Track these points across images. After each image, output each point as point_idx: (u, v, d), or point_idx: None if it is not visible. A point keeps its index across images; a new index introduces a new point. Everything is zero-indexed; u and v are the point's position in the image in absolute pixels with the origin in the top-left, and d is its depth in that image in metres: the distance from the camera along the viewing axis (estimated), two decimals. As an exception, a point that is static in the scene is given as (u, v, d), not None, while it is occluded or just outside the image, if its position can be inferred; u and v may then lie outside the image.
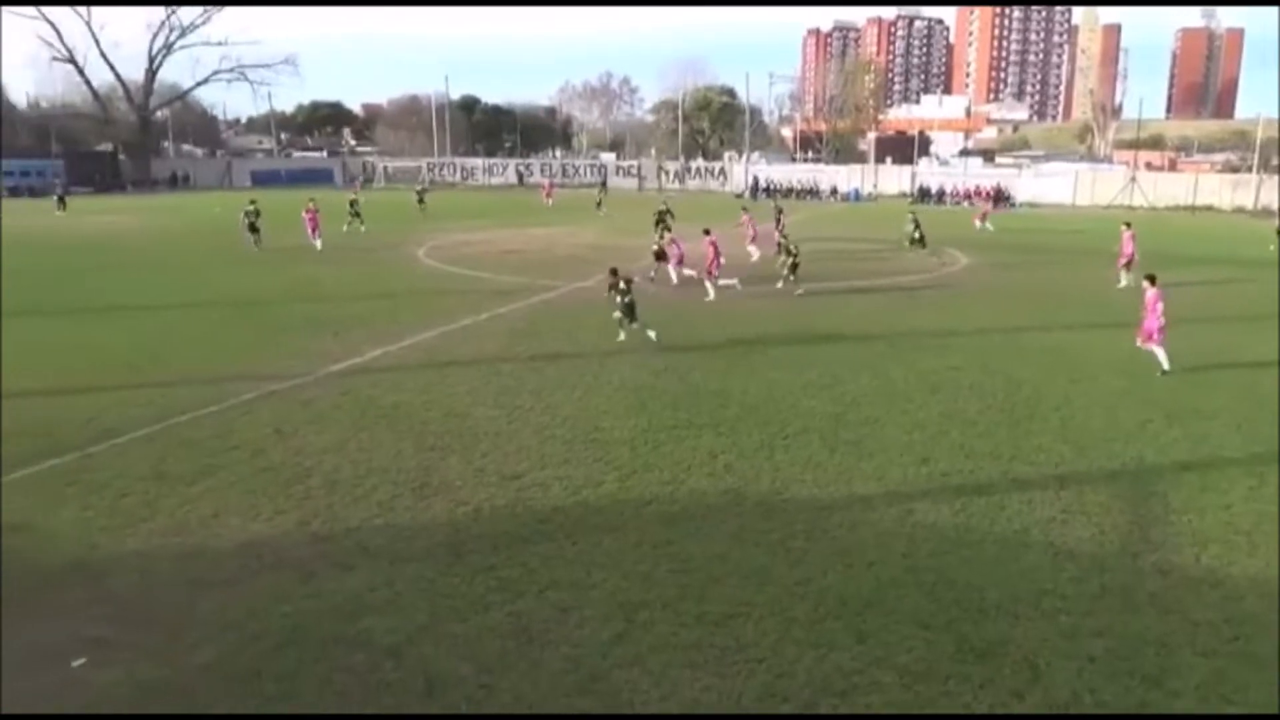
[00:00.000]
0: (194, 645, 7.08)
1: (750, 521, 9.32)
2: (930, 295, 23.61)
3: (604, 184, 62.87)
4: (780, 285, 23.83)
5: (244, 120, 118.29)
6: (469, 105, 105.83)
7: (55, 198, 53.15)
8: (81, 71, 77.11)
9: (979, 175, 68.16)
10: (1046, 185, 65.24)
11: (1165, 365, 15.16)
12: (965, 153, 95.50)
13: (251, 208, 32.27)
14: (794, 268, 24.00)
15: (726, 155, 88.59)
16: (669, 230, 28.65)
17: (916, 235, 32.53)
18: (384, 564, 8.35)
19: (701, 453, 11.29)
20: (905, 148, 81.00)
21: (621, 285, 17.29)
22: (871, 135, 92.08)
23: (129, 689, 6.53)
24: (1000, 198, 60.96)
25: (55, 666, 6.79)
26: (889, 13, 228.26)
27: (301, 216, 33.05)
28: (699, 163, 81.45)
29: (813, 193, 67.83)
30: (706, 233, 23.24)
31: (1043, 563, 8.51)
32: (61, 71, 79.09)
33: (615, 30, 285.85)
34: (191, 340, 17.68)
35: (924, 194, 65.07)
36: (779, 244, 25.56)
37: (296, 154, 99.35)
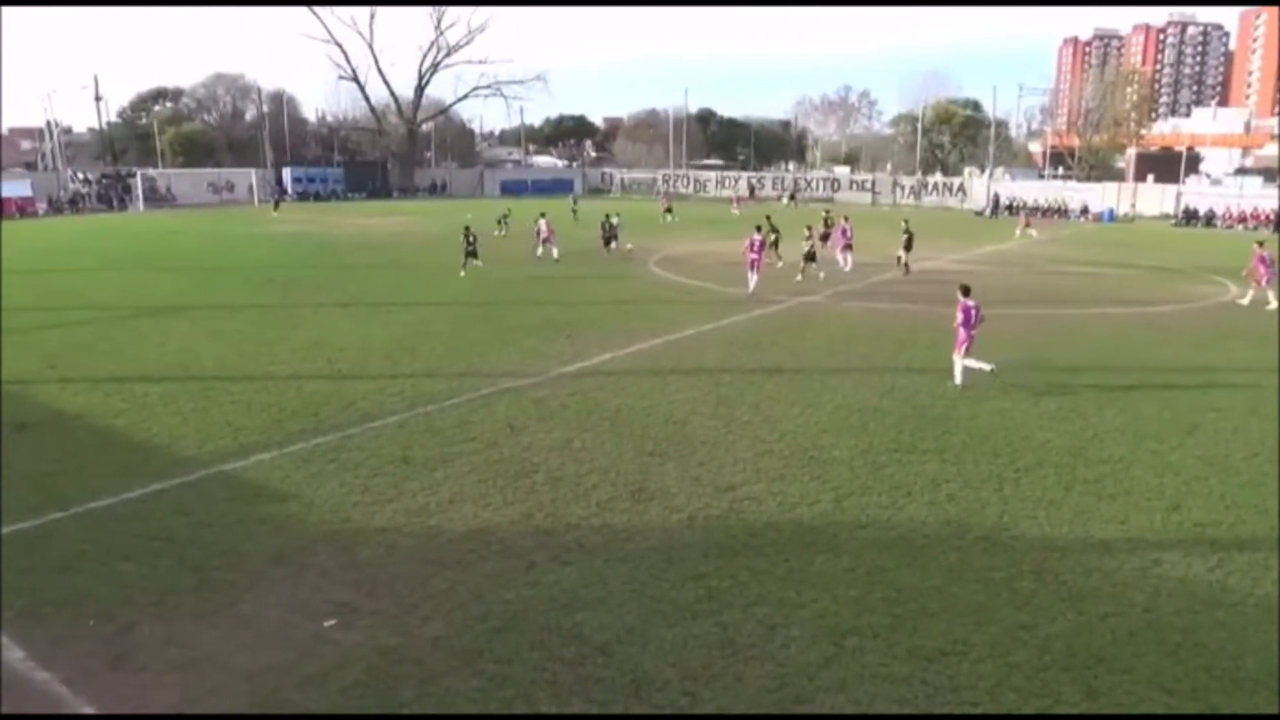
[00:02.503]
0: (426, 618, 7.62)
1: (972, 556, 8.84)
2: (1190, 328, 21.41)
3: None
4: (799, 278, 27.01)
5: (496, 133, 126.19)
6: (705, 118, 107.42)
7: (272, 202, 60.17)
8: (363, 89, 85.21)
9: (1257, 196, 60.94)
10: (1342, 208, 57.25)
11: (957, 379, 15.20)
12: (1242, 171, 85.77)
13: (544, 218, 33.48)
14: (810, 257, 27.66)
15: (967, 170, 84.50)
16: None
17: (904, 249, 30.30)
18: (599, 562, 8.62)
19: (924, 479, 10.84)
20: (1170, 165, 73.93)
21: (470, 236, 28.85)
22: (1131, 151, 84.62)
23: (370, 652, 7.13)
24: (1284, 221, 54.26)
25: (308, 624, 7.53)
26: (1158, 18, 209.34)
27: (534, 227, 33.25)
28: (937, 178, 78.24)
29: (1060, 211, 63.34)
30: (758, 230, 25.63)
31: (1317, 636, 7.48)
32: (346, 89, 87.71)
33: (857, 47, 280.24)
34: (441, 336, 19.07)
35: (1190, 216, 59.14)
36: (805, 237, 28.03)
37: (541, 164, 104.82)
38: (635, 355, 17.48)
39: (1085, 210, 62.55)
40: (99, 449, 11.83)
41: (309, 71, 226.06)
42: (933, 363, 16.95)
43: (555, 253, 31.47)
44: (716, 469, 11.14)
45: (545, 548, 8.93)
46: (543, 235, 32.33)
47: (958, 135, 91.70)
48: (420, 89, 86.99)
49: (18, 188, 59.69)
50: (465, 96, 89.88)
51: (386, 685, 6.72)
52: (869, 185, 77.36)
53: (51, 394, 14.51)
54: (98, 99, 68.97)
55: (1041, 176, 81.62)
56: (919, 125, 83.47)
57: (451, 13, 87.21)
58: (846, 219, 32.04)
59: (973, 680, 6.81)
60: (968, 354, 15.21)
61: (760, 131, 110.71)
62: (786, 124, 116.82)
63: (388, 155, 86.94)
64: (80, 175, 67.46)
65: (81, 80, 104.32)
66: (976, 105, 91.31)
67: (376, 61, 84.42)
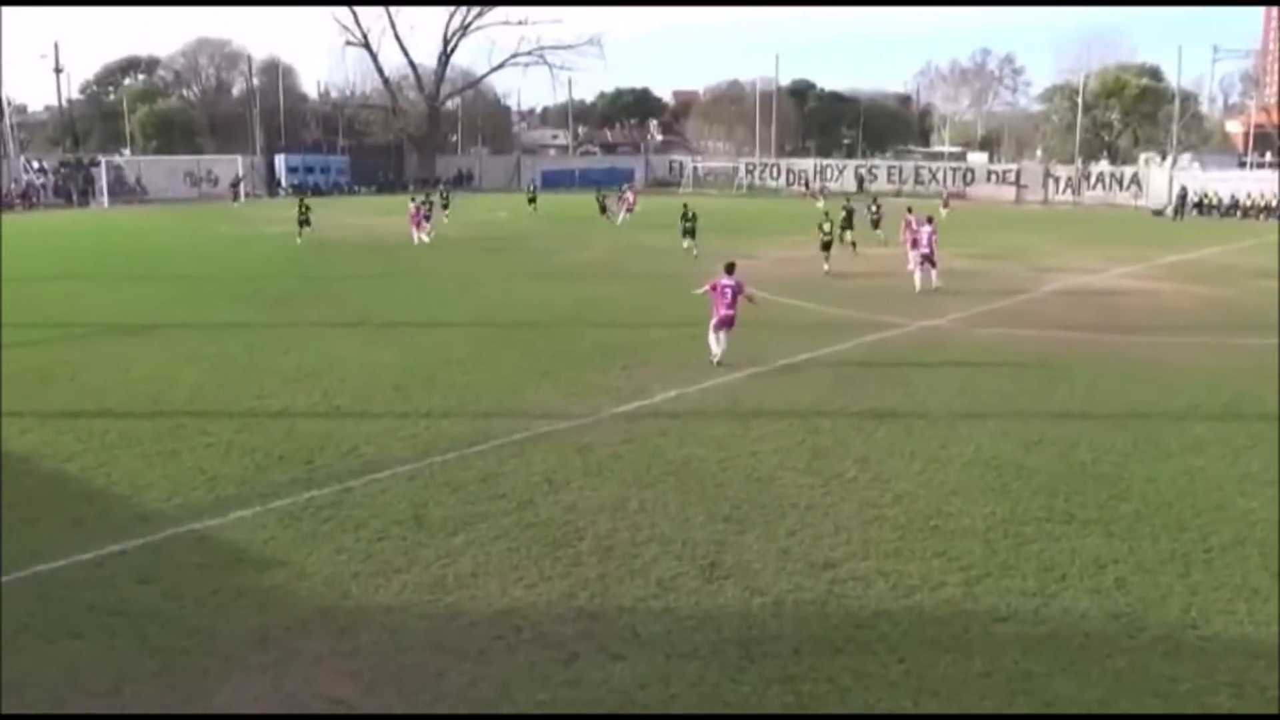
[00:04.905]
0: (440, 724, 7.66)
1: (1147, 661, 8.59)
2: None
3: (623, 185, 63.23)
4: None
5: (538, 111, 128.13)
6: (801, 92, 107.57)
7: (233, 194, 67.75)
8: (374, 57, 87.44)
9: None
10: None
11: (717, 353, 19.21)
12: None
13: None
14: (826, 246, 32.71)
15: (1142, 158, 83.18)
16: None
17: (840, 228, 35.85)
18: (659, 657, 8.58)
19: (1083, 559, 10.60)
20: None
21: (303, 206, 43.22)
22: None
23: (368, 764, 7.19)
24: None
25: (296, 726, 7.63)
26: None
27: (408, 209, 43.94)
28: (1103, 167, 77.21)
29: (1269, 210, 61.83)
30: (929, 221, 29.40)
31: None
32: (354, 58, 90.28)
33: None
34: (464, 365, 19.33)
35: None
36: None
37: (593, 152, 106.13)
38: (708, 392, 17.48)
39: (1303, 208, 60.98)
40: (48, 499, 12.18)
41: (310, 36, 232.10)
42: (1096, 406, 16.64)
43: (426, 238, 42.54)
44: (811, 540, 11.04)
45: (591, 636, 8.93)
46: (413, 219, 43.07)
47: (1130, 112, 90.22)
48: (445, 56, 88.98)
49: (-41, 178, 62.39)
50: (501, 66, 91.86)
51: (389, 806, 6.75)
52: (1012, 177, 76.59)
53: (-8, 431, 15.03)
54: (57, 71, 71.92)
55: (1243, 164, 79.80)
56: (1079, 99, 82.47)
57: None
58: (931, 221, 29.99)
59: (1147, 825, 6.61)
60: (717, 330, 19.19)
61: (872, 108, 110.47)
62: (906, 99, 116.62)
63: (403, 139, 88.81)
64: (35, 163, 70.35)
65: (39, 48, 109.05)
66: (1156, 73, 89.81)
67: (392, 22, 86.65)
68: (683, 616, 9.32)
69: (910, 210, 34.77)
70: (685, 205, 40.25)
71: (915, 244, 30.25)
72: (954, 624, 9.20)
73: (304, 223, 43.05)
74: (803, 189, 75.46)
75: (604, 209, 53.73)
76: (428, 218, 44.89)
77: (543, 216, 55.23)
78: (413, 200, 45.86)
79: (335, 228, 48.57)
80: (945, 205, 55.75)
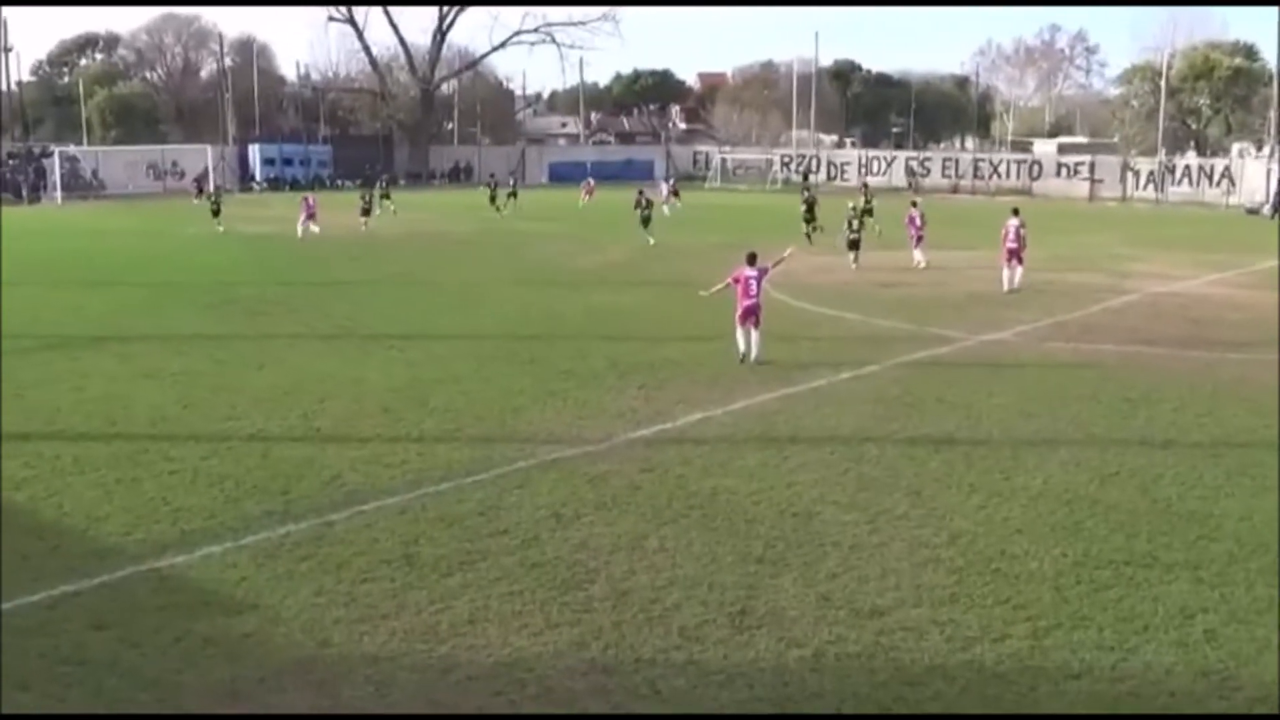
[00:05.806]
0: (432, 792, 7.67)
1: (1242, 725, 8.54)
2: None
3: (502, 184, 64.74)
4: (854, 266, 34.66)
5: (545, 96, 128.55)
6: (844, 74, 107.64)
7: (196, 189, 66.03)
8: (361, 34, 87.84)
9: None
10: None
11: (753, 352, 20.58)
12: None
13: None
14: (852, 244, 35.12)
15: (1235, 148, 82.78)
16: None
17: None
18: (682, 716, 8.56)
19: (1168, 608, 10.52)
20: None
21: (212, 195, 51.83)
22: None
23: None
24: None
25: (269, 793, 7.64)
26: None
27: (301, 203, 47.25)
28: (1190, 159, 76.84)
29: (1378, 209, 61.42)
30: (1015, 213, 30.68)
31: None
32: (338, 35, 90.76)
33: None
34: (461, 383, 19.37)
35: None
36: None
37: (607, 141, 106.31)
38: (738, 415, 17.47)
39: None
40: (-11, 534, 12.26)
41: (288, 11, 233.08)
42: (1182, 433, 16.54)
43: (315, 229, 45.36)
44: (855, 584, 11.00)
45: (604, 692, 8.91)
46: (308, 212, 45.86)
47: (1222, 96, 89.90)
48: (440, 34, 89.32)
49: (-106, 172, 62.99)
50: (503, 45, 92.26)
51: None
52: (1085, 170, 76.37)
53: (-71, 456, 15.13)
54: (6, 50, 72.43)
55: (1350, 156, 79.30)
56: (1161, 82, 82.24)
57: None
58: (1017, 213, 31.44)
59: None
60: (743, 323, 20.52)
61: (925, 93, 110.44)
62: (964, 81, 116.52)
63: (393, 127, 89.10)
64: (-20, 155, 70.85)
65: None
66: (1250, 51, 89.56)
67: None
68: (709, 671, 9.28)
69: (914, 204, 37.34)
70: (640, 191, 46.37)
71: (920, 239, 35.57)
72: (1019, 681, 9.14)
73: (215, 213, 48.92)
74: (803, 183, 74.42)
75: (493, 199, 59.07)
76: (368, 212, 50.14)
77: (535, 216, 55.51)
78: (306, 195, 51.25)
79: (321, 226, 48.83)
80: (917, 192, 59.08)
